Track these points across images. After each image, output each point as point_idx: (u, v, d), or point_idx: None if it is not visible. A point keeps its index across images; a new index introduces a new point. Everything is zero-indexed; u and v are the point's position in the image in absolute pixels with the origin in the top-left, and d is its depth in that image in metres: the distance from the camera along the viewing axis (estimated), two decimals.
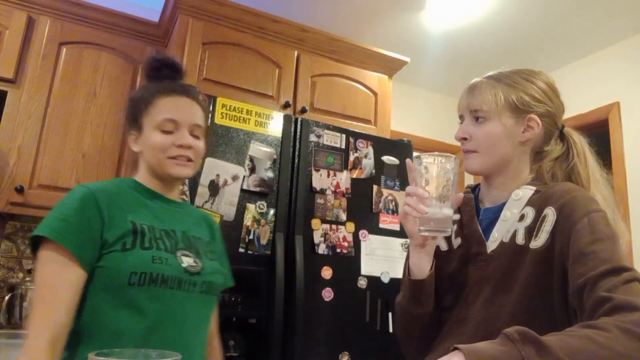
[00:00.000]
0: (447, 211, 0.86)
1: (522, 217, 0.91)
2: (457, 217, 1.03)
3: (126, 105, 1.13)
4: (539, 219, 0.88)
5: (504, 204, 0.96)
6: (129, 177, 1.12)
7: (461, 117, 1.02)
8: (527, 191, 0.93)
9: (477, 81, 1.00)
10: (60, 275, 0.89)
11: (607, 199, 0.91)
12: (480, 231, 0.96)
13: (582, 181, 0.95)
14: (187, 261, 1.01)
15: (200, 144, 1.09)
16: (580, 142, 0.98)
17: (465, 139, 0.98)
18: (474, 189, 1.07)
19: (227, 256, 1.21)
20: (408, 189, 0.89)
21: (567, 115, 1.02)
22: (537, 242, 0.86)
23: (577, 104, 2.85)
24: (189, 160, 1.06)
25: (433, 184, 0.86)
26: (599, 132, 2.76)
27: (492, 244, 0.93)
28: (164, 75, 1.11)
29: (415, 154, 0.90)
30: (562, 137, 1.00)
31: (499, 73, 1.00)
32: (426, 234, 0.88)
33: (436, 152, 0.87)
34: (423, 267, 0.94)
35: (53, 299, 0.87)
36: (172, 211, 1.10)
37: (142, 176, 1.10)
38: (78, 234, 0.91)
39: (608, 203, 0.89)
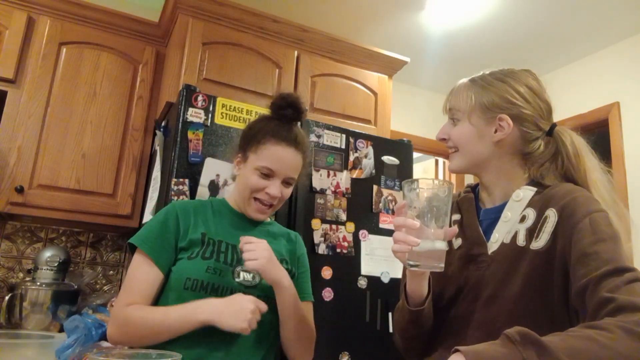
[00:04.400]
0: (440, 244, 0.80)
1: (523, 219, 0.91)
2: (457, 217, 1.03)
3: (243, 131, 1.23)
4: (540, 220, 0.88)
5: (503, 205, 0.95)
6: (222, 198, 1.28)
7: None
8: (528, 192, 0.93)
9: (459, 83, 1.03)
10: (140, 271, 1.08)
11: (606, 200, 0.89)
12: (481, 232, 0.96)
13: (579, 184, 0.93)
14: (243, 276, 1.12)
15: (288, 191, 1.20)
16: (572, 143, 0.95)
17: (444, 139, 1.02)
18: (474, 188, 1.07)
19: (307, 271, 1.29)
20: (396, 220, 0.84)
21: (567, 115, 1.02)
22: (538, 243, 0.86)
23: (577, 104, 2.85)
24: (271, 205, 1.18)
25: (424, 213, 0.80)
26: (599, 132, 2.76)
27: (493, 245, 0.93)
28: (287, 114, 1.19)
29: (406, 180, 0.85)
30: (553, 137, 0.98)
31: (480, 75, 1.01)
32: (415, 269, 0.82)
33: (428, 178, 0.83)
34: (422, 291, 0.92)
35: (131, 286, 1.08)
36: (252, 230, 1.21)
37: (232, 196, 1.25)
38: (157, 242, 1.10)
39: (607, 204, 0.88)
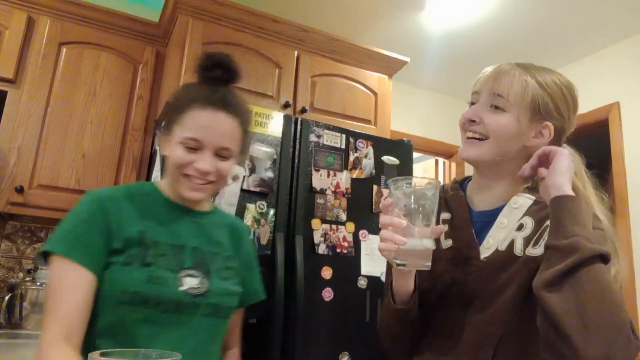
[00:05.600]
0: (427, 243, 0.78)
1: (520, 227, 0.89)
2: (446, 216, 0.99)
3: (167, 102, 1.02)
4: (539, 229, 0.86)
5: (497, 209, 0.93)
6: (151, 182, 1.08)
7: (475, 94, 0.94)
8: (527, 200, 0.90)
9: (508, 67, 0.92)
10: (66, 280, 0.87)
11: (605, 219, 0.87)
12: (474, 236, 0.93)
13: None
14: (190, 282, 0.94)
15: (224, 165, 0.99)
16: (578, 163, 0.93)
17: (474, 121, 0.91)
18: (461, 184, 1.03)
19: (256, 266, 1.15)
20: (383, 219, 0.81)
21: None
22: (536, 250, 0.85)
23: None
24: (208, 182, 0.98)
25: (411, 211, 0.79)
26: (599, 132, 2.76)
27: (486, 250, 0.91)
28: (216, 76, 1.01)
29: (392, 178, 0.82)
30: None
31: (529, 64, 0.93)
32: (402, 268, 0.80)
33: (414, 176, 0.81)
34: (408, 288, 0.91)
35: (60, 301, 0.86)
36: (189, 222, 1.03)
37: (165, 182, 1.05)
38: (84, 246, 0.89)
39: (605, 224, 0.86)
